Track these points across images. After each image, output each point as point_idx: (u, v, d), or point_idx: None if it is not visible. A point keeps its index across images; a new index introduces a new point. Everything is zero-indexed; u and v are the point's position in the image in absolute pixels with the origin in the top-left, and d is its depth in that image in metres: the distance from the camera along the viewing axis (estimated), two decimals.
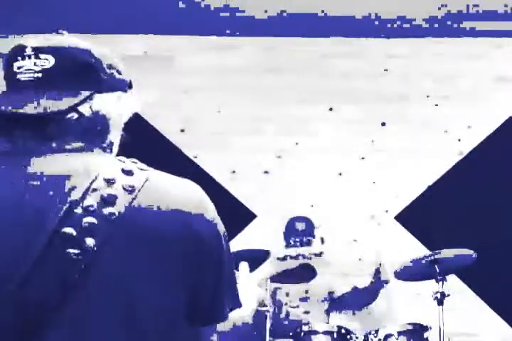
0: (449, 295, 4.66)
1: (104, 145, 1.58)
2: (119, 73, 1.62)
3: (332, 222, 5.96)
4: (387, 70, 6.33)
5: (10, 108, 1.44)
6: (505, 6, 5.81)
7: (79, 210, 1.38)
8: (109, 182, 1.44)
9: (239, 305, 1.61)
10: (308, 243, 5.59)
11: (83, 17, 5.91)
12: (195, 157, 6.17)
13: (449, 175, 6.12)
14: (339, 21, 6.05)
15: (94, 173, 1.44)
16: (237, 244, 5.71)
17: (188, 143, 6.23)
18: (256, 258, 4.79)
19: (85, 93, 1.52)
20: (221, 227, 1.56)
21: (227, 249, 1.57)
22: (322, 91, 6.27)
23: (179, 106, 6.28)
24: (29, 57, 1.50)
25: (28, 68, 1.50)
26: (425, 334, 4.58)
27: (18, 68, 1.50)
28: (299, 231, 5.56)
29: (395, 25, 6.11)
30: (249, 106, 6.23)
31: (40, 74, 1.49)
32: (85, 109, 1.53)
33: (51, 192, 1.40)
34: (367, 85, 6.29)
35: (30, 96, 1.47)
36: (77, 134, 1.52)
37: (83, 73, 1.54)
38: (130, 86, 1.67)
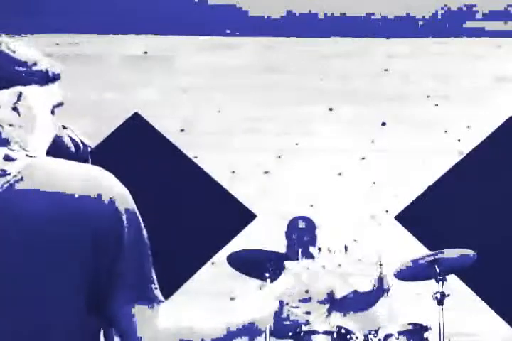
0: (449, 295, 4.66)
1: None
2: (35, 65, 1.63)
3: (332, 222, 5.96)
4: (387, 70, 6.33)
5: None
6: (506, 6, 5.82)
7: None
8: None
9: (147, 298, 1.57)
10: (309, 241, 5.60)
11: (83, 17, 5.91)
12: (195, 157, 6.17)
13: (449, 175, 6.12)
14: (339, 21, 6.05)
15: None
16: (237, 244, 5.73)
17: (188, 143, 6.22)
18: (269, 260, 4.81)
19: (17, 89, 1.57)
20: (122, 208, 1.54)
21: (131, 232, 1.55)
22: (322, 92, 6.27)
23: (179, 106, 6.27)
24: None
25: None
26: (425, 334, 4.58)
27: None
28: (301, 229, 5.57)
29: (395, 25, 6.11)
30: (249, 106, 6.23)
31: None
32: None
33: None
34: (367, 85, 6.29)
35: None
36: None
37: None
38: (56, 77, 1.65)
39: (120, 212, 1.53)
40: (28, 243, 1.47)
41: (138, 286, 1.55)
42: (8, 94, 1.59)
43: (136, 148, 6.05)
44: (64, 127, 1.88)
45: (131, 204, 1.57)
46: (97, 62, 6.28)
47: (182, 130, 6.28)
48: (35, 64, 1.62)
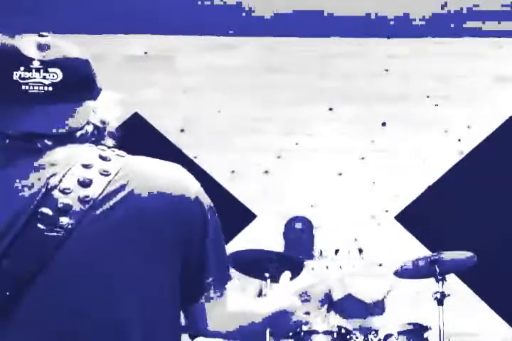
0: (449, 295, 4.66)
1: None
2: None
3: (332, 222, 5.96)
4: (387, 70, 6.33)
5: (37, 130, 1.53)
6: (506, 6, 5.82)
7: (56, 193, 1.48)
8: (87, 167, 1.53)
9: (225, 279, 1.68)
10: (307, 241, 5.60)
11: (83, 17, 5.91)
12: (195, 157, 6.18)
13: (449, 175, 6.12)
14: (339, 21, 6.06)
15: (73, 161, 1.53)
16: (237, 244, 5.72)
17: (188, 143, 6.23)
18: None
19: (90, 103, 1.62)
20: (205, 203, 1.63)
21: (212, 224, 1.64)
22: (322, 91, 6.27)
23: (179, 106, 6.28)
24: (37, 70, 1.55)
25: (37, 81, 1.55)
26: (425, 334, 4.58)
27: (23, 79, 1.55)
28: (298, 230, 5.57)
29: (395, 25, 6.12)
30: (249, 106, 6.23)
31: (50, 88, 1.56)
32: (96, 120, 1.62)
33: (34, 181, 1.50)
34: (367, 85, 6.29)
35: (50, 113, 1.55)
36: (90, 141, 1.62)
37: (87, 84, 1.64)
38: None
39: (205, 208, 1.62)
40: (129, 238, 1.51)
41: (218, 275, 1.65)
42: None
43: (136, 148, 6.04)
44: None
45: (209, 199, 1.65)
46: (97, 62, 6.26)
47: (182, 130, 6.28)
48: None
